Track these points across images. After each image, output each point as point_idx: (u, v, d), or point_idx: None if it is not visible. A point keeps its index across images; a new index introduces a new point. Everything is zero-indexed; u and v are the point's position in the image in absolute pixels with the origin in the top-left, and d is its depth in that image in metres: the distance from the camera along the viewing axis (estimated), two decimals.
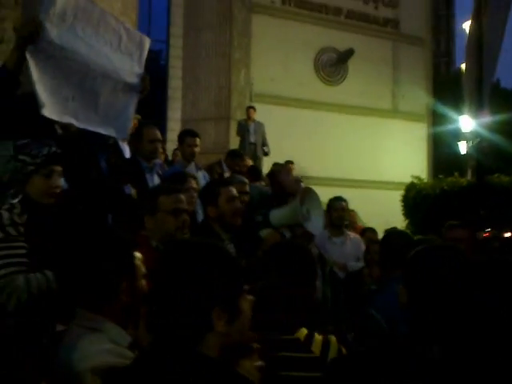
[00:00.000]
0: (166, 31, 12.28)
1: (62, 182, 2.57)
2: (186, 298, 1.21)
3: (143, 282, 1.76)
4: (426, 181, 10.69)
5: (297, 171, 8.72)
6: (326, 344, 1.74)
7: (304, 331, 1.76)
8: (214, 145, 10.49)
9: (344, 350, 1.76)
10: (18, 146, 2.40)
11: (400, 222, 9.07)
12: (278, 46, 12.49)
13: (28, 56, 2.73)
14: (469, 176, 10.56)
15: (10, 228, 2.21)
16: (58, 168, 2.46)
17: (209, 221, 3.04)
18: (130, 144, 4.02)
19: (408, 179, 10.01)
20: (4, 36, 5.70)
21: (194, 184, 3.49)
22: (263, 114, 10.38)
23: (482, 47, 5.48)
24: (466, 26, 9.72)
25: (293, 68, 12.72)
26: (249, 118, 9.81)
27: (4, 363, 2.09)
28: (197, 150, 4.64)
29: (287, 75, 12.56)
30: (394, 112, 14.13)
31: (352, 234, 5.19)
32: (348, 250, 4.86)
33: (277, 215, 2.91)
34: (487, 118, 6.14)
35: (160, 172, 3.87)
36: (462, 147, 14.52)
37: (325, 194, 5.55)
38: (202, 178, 4.53)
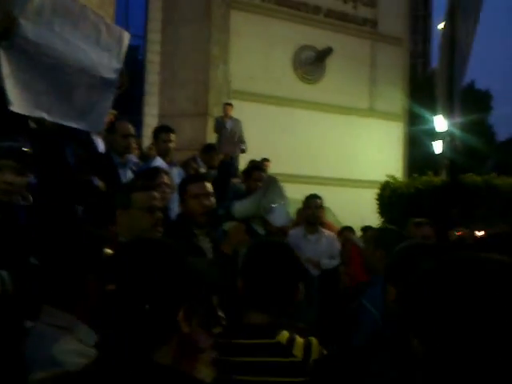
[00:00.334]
0: (143, 26, 12.14)
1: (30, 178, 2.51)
2: (152, 299, 1.20)
3: None
4: (401, 180, 10.81)
5: (273, 169, 8.73)
6: (307, 347, 1.66)
7: (285, 334, 1.68)
8: (190, 141, 10.41)
9: (325, 352, 1.70)
10: None
11: (375, 220, 9.16)
12: (256, 43, 12.48)
13: (1, 52, 2.68)
14: (443, 175, 10.72)
15: None
16: (11, 163, 2.37)
17: (183, 216, 3.02)
18: (104, 139, 3.98)
19: (384, 178, 10.10)
20: None
21: (166, 180, 3.45)
22: (241, 111, 10.34)
23: (455, 47, 5.55)
24: (442, 26, 9.84)
25: (271, 65, 12.72)
26: (226, 114, 9.77)
27: None
28: (172, 145, 4.60)
29: (265, 72, 12.55)
30: (371, 111, 14.25)
31: (327, 232, 5.21)
32: (322, 248, 4.88)
33: (239, 207, 2.84)
34: (460, 118, 6.22)
35: (134, 168, 3.83)
36: (437, 147, 14.72)
37: (301, 192, 5.58)
38: (176, 174, 4.50)
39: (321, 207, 5.01)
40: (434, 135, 14.54)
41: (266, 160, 8.73)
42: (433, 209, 7.55)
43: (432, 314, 0.85)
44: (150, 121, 11.03)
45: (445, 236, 5.11)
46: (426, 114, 15.18)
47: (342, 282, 4.26)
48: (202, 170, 5.90)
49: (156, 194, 2.58)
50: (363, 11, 14.49)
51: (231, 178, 3.46)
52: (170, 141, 4.59)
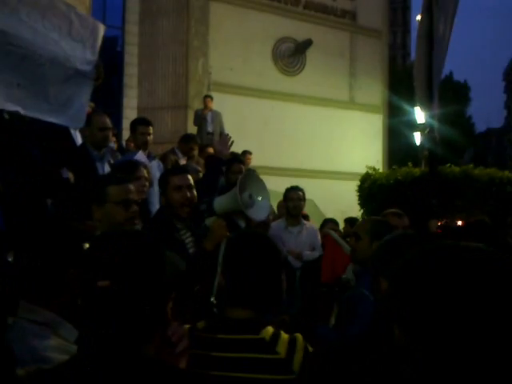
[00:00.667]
0: (121, 17, 11.96)
1: None
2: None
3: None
4: (381, 171, 10.88)
5: (253, 161, 8.70)
6: (291, 343, 1.62)
7: (270, 330, 1.64)
8: (171, 134, 10.33)
9: (310, 349, 1.66)
10: None
11: (356, 211, 9.21)
12: (236, 35, 12.41)
13: None
14: (422, 166, 10.82)
15: None
16: None
17: (164, 210, 2.98)
18: (80, 132, 3.91)
19: (364, 170, 10.16)
20: None
21: (145, 173, 3.41)
22: (221, 103, 10.29)
23: (432, 39, 5.56)
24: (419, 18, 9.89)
25: (251, 57, 12.66)
26: (206, 107, 9.71)
27: None
28: (149, 138, 4.54)
29: (245, 64, 12.50)
30: (351, 103, 14.30)
31: (308, 224, 5.23)
32: (304, 239, 4.90)
33: (219, 203, 2.82)
34: (438, 110, 6.26)
35: (111, 160, 3.77)
36: (417, 138, 14.86)
37: (282, 184, 5.58)
38: (156, 167, 4.46)
39: (302, 199, 5.01)
40: (414, 127, 14.67)
41: (247, 152, 8.67)
42: (412, 199, 7.61)
43: (414, 304, 0.84)
44: (129, 114, 10.90)
45: (425, 226, 5.15)
46: (406, 106, 15.31)
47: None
48: (182, 161, 5.84)
49: (131, 186, 2.53)
50: (342, 3, 14.49)
51: (220, 174, 3.44)
52: (147, 133, 4.54)
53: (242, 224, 3.87)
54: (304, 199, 5.03)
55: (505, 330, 0.79)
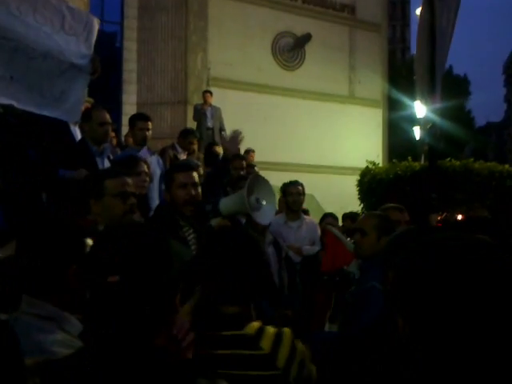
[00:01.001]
0: (119, 12, 11.93)
1: None
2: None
3: None
4: (381, 165, 10.87)
5: (254, 157, 8.68)
6: (277, 338, 1.56)
7: (255, 325, 1.59)
8: (170, 129, 10.32)
9: (300, 345, 1.60)
10: None
11: (356, 206, 9.21)
12: (235, 30, 12.37)
13: None
14: (422, 160, 10.82)
15: None
16: None
17: (166, 206, 2.97)
18: (80, 127, 3.90)
19: (364, 164, 10.15)
20: None
21: (145, 168, 3.41)
22: (220, 98, 10.28)
23: (435, 33, 5.53)
24: (419, 10, 9.85)
25: (250, 52, 12.64)
26: (205, 102, 9.70)
27: None
28: (149, 134, 4.53)
29: (244, 59, 12.47)
30: (351, 97, 14.28)
31: (308, 218, 5.22)
32: (303, 234, 4.89)
33: (226, 204, 2.82)
34: (438, 104, 6.25)
35: (110, 156, 3.77)
36: (417, 132, 14.84)
37: (281, 179, 5.58)
38: (155, 162, 4.45)
39: (302, 194, 5.00)
40: (414, 121, 14.65)
41: (250, 150, 8.61)
42: (412, 194, 7.62)
43: (415, 294, 0.85)
44: (129, 109, 10.88)
45: (425, 220, 5.15)
46: (406, 100, 15.29)
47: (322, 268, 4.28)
48: (182, 156, 5.84)
49: (128, 179, 2.53)
50: None
51: (227, 174, 3.43)
52: (146, 129, 4.52)
53: (243, 220, 3.89)
54: (304, 194, 5.02)
55: (501, 321, 0.79)
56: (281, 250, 3.91)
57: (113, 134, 5.90)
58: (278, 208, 5.83)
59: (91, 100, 5.90)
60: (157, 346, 1.21)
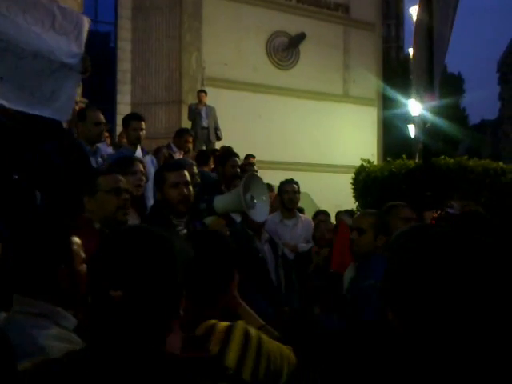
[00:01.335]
0: (113, 13, 11.91)
1: None
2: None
3: (83, 267, 1.71)
4: (376, 164, 10.89)
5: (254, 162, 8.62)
6: (226, 336, 1.41)
7: (205, 324, 1.46)
8: (165, 129, 10.32)
9: (254, 340, 1.44)
10: None
11: (351, 204, 9.22)
12: (229, 30, 12.38)
13: None
14: (417, 158, 10.85)
15: None
16: None
17: (160, 206, 2.98)
18: (75, 127, 3.91)
19: (359, 162, 10.17)
20: None
21: (141, 167, 3.42)
22: (215, 97, 10.28)
23: (432, 35, 5.54)
24: (413, 10, 9.90)
25: (245, 52, 12.64)
26: (200, 102, 9.70)
27: None
28: (142, 133, 4.54)
29: (239, 59, 12.47)
30: (345, 96, 14.31)
31: (303, 217, 5.24)
32: (299, 232, 4.91)
33: (221, 202, 2.83)
34: (434, 102, 6.28)
35: (105, 155, 3.78)
36: (412, 130, 14.90)
37: (276, 178, 5.59)
38: (149, 162, 4.46)
39: (297, 192, 5.02)
40: (409, 119, 14.71)
41: (251, 156, 8.55)
42: (407, 192, 7.64)
43: (406, 288, 0.87)
44: (123, 109, 10.86)
45: (421, 218, 5.17)
46: (401, 98, 15.34)
47: (314, 264, 4.29)
48: (177, 155, 5.84)
49: (121, 176, 2.56)
50: None
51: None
52: (140, 129, 4.53)
53: (238, 219, 3.89)
54: (299, 192, 5.04)
55: (471, 306, 0.82)
56: (277, 247, 3.92)
57: (107, 134, 5.89)
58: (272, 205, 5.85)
59: (85, 100, 5.89)
60: (166, 351, 1.20)
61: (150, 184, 4.35)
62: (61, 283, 1.64)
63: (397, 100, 16.35)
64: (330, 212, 5.72)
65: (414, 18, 9.59)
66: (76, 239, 1.73)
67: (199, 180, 4.02)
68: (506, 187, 8.61)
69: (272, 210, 5.53)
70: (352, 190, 9.75)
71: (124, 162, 3.35)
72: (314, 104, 13.38)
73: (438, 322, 0.83)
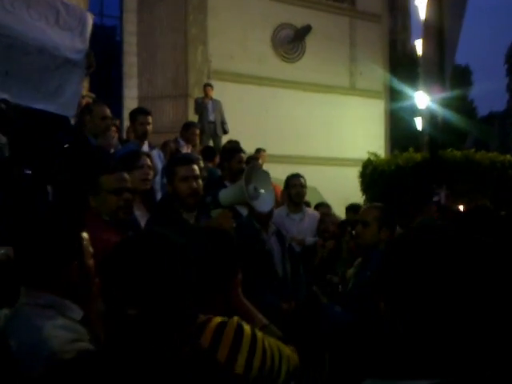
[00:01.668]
0: (118, 6, 11.90)
1: None
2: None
3: (91, 262, 1.74)
4: (383, 157, 10.86)
5: (254, 149, 8.64)
6: (218, 331, 1.40)
7: (198, 320, 1.45)
8: (171, 123, 10.33)
9: (248, 336, 1.44)
10: None
11: (358, 197, 9.22)
12: (235, 22, 12.33)
13: None
14: (424, 151, 10.81)
15: None
16: None
17: (169, 199, 3.01)
18: (81, 122, 3.94)
19: (366, 155, 10.15)
20: None
21: (148, 162, 3.44)
22: (221, 91, 10.27)
23: (443, 31, 5.51)
24: (419, 2, 9.80)
25: (250, 44, 12.60)
26: (206, 95, 9.69)
27: None
28: (149, 128, 4.56)
29: (245, 52, 12.44)
30: (352, 89, 14.24)
31: (310, 210, 5.24)
32: (306, 226, 4.92)
33: (225, 195, 2.87)
34: (442, 94, 6.25)
35: (111, 150, 3.81)
36: (419, 123, 14.81)
37: (283, 172, 5.58)
38: (156, 156, 4.48)
39: (304, 186, 5.02)
40: (416, 111, 14.62)
41: (261, 150, 8.54)
42: (413, 185, 7.62)
43: (395, 278, 0.89)
44: (130, 103, 10.87)
45: (425, 211, 5.16)
46: (408, 91, 15.24)
47: (319, 256, 4.32)
48: (185, 149, 5.86)
49: (125, 175, 2.59)
50: None
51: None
52: (147, 123, 4.56)
53: (245, 212, 3.90)
54: (305, 186, 5.04)
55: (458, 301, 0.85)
56: (284, 240, 3.92)
57: (114, 129, 5.91)
58: (280, 199, 5.86)
59: (92, 95, 5.91)
60: (184, 354, 1.20)
61: (158, 178, 4.37)
62: (71, 277, 1.66)
63: (404, 92, 16.25)
64: (338, 206, 5.73)
65: (420, 10, 9.53)
66: (84, 234, 1.75)
67: (206, 174, 4.04)
68: None
69: (278, 205, 5.55)
70: (359, 184, 9.74)
71: (130, 157, 3.38)
72: (320, 97, 13.34)
73: (425, 312, 0.87)
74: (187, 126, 6.31)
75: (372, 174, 9.38)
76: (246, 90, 12.16)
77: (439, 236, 0.91)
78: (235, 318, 1.49)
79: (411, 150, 9.73)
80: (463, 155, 8.93)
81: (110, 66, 11.62)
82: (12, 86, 2.95)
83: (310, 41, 13.44)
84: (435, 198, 6.04)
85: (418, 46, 11.29)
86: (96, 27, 3.60)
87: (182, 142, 6.05)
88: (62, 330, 1.55)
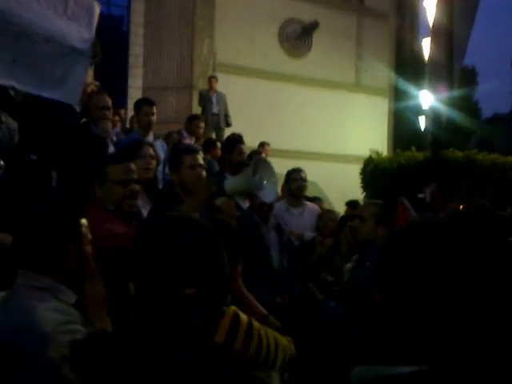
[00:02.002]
0: None
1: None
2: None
3: (88, 248, 1.77)
4: (386, 155, 10.86)
5: (257, 143, 8.66)
6: (233, 326, 1.42)
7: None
8: (176, 114, 10.36)
9: (244, 324, 1.46)
10: None
11: (359, 194, 9.23)
12: (242, 17, 12.31)
13: None
14: (427, 151, 10.79)
15: None
16: None
17: (173, 188, 3.06)
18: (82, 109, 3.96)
19: (368, 153, 10.14)
20: None
21: (150, 151, 3.46)
22: (226, 84, 10.27)
23: (452, 33, 5.50)
24: (427, 3, 9.77)
25: (257, 39, 12.59)
26: (211, 88, 9.70)
27: None
28: (153, 118, 4.59)
29: (251, 46, 12.42)
30: (357, 86, 14.22)
31: (310, 205, 5.25)
32: (305, 220, 4.93)
33: (230, 184, 2.93)
34: (447, 93, 6.24)
35: (114, 138, 3.84)
36: (422, 122, 14.78)
37: (285, 166, 5.59)
38: (159, 147, 4.50)
39: (305, 180, 5.04)
40: (420, 111, 14.59)
41: (265, 144, 8.56)
42: (415, 184, 7.63)
43: (391, 271, 0.92)
44: (134, 93, 10.90)
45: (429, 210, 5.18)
46: (412, 90, 15.20)
47: (317, 253, 4.34)
48: (188, 141, 5.88)
49: (131, 165, 2.60)
50: None
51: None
52: (152, 114, 4.58)
53: (245, 204, 3.94)
54: (306, 180, 5.06)
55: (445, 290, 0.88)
56: (283, 234, 3.96)
57: (117, 118, 5.94)
58: (280, 193, 5.88)
59: (97, 83, 5.93)
60: (217, 342, 1.29)
61: (160, 168, 4.41)
62: (68, 263, 1.69)
63: (408, 91, 16.21)
64: (338, 202, 5.75)
65: (428, 11, 9.49)
66: (84, 221, 1.78)
67: (206, 166, 4.07)
68: None
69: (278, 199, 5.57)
70: (360, 180, 9.74)
71: (133, 146, 3.41)
72: (325, 93, 13.33)
73: (419, 302, 0.90)
74: (192, 119, 6.34)
75: (373, 172, 9.38)
76: (250, 83, 12.15)
77: (436, 231, 0.94)
78: (232, 308, 1.50)
79: (413, 148, 9.72)
80: (465, 155, 8.91)
81: (115, 55, 11.61)
82: (18, 74, 2.98)
83: (316, 37, 13.42)
84: (420, 195, 6.07)
85: (425, 46, 11.23)
86: (103, 16, 3.62)
87: (185, 134, 6.07)
88: (55, 312, 1.59)
